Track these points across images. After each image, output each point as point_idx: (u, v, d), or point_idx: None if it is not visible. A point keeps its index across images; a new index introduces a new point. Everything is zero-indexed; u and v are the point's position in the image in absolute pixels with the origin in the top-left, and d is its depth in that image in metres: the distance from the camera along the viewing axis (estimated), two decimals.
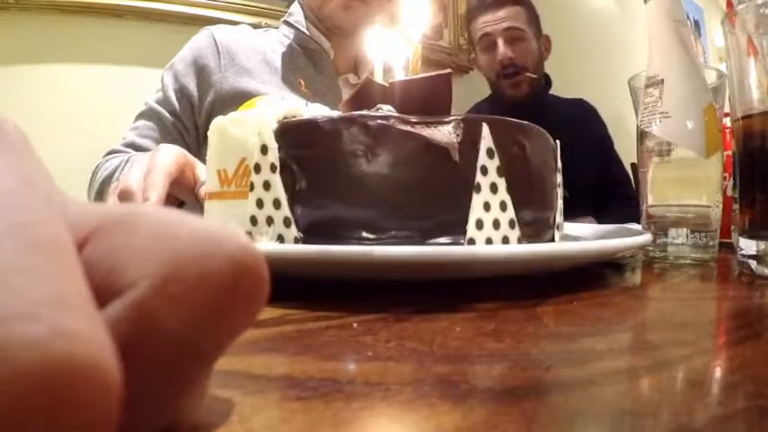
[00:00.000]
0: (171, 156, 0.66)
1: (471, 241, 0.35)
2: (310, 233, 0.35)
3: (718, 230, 0.51)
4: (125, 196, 0.62)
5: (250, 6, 1.61)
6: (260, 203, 0.36)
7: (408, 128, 0.35)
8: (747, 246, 0.45)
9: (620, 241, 0.37)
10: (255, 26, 1.17)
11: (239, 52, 1.03)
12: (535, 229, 0.39)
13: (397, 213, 0.34)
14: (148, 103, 1.01)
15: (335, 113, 0.39)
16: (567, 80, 1.75)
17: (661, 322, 0.28)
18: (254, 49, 1.05)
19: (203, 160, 1.01)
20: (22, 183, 0.10)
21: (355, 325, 0.24)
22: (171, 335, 0.10)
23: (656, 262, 0.51)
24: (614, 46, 2.40)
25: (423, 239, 0.34)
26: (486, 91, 1.69)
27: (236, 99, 0.96)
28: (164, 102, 1.00)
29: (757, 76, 0.48)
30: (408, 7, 0.49)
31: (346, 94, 1.08)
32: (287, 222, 0.35)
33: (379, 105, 0.38)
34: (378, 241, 0.33)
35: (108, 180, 0.89)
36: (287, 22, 1.11)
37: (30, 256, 0.08)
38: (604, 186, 1.56)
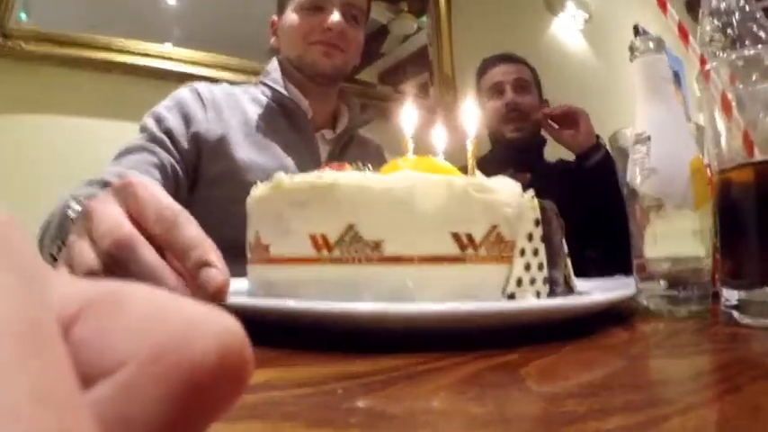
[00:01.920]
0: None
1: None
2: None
3: (711, 282, 0.52)
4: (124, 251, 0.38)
5: (234, 65, 1.64)
6: (528, 267, 0.43)
7: None
8: (730, 296, 0.46)
9: (606, 295, 0.43)
10: (233, 83, 1.17)
11: (223, 109, 1.04)
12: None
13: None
14: (132, 142, 0.95)
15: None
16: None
17: (644, 381, 0.28)
18: (235, 107, 1.06)
19: (184, 197, 0.96)
20: None
21: (340, 391, 0.24)
22: (157, 414, 0.10)
23: (650, 315, 0.51)
24: (600, 102, 2.46)
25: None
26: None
27: (219, 153, 0.98)
28: (152, 139, 0.96)
29: (732, 130, 0.49)
30: (465, 107, 0.57)
31: (324, 150, 1.10)
32: (550, 281, 0.44)
33: None
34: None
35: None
36: (263, 83, 1.12)
37: (7, 348, 0.08)
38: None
